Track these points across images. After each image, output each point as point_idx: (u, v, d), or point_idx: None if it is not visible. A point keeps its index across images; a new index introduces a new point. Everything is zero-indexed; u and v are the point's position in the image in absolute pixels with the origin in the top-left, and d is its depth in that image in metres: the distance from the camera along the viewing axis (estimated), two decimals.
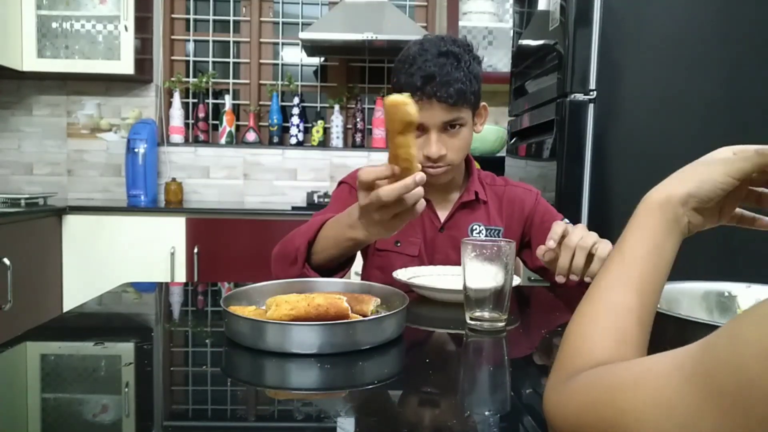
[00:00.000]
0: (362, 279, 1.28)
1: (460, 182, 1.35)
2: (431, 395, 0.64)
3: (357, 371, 0.70)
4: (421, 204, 0.82)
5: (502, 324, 0.86)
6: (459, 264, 0.94)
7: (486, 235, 1.29)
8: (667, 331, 0.63)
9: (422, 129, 1.20)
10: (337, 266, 1.09)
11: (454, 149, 1.22)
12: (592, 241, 1.04)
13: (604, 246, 1.04)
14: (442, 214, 1.31)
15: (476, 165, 1.41)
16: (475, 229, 1.30)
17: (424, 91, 1.16)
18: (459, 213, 1.31)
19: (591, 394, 0.43)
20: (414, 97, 1.11)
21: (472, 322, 0.87)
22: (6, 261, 2.23)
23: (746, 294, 0.76)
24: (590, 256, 1.03)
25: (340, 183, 1.37)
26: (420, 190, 0.80)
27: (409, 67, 1.19)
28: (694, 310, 0.75)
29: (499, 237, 1.30)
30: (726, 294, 0.77)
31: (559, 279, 1.06)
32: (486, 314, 0.86)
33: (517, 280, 1.00)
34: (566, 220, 1.32)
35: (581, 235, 1.05)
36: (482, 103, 1.30)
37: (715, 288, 0.77)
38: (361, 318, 0.77)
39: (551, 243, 1.05)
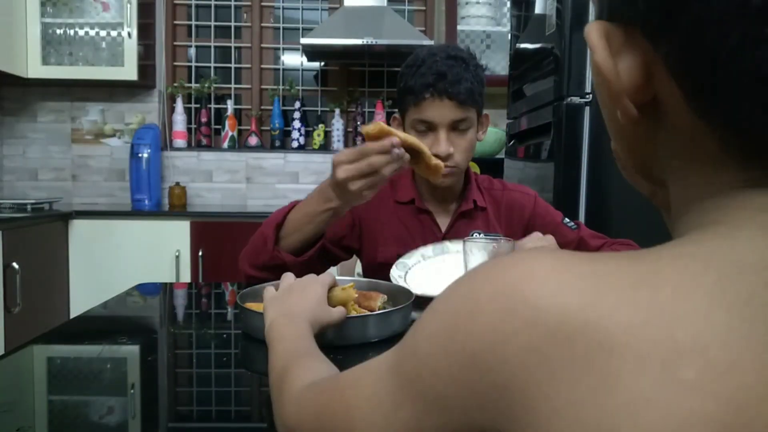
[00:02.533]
0: None
1: (459, 191, 1.36)
2: None
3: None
4: (392, 168, 0.98)
5: None
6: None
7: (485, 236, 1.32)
8: None
9: (431, 128, 1.23)
10: (308, 246, 1.14)
11: (461, 150, 1.25)
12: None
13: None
14: (443, 225, 1.33)
15: (476, 170, 1.43)
16: (474, 234, 1.30)
17: (436, 88, 1.20)
18: (459, 222, 1.33)
19: (325, 395, 0.45)
20: (425, 95, 1.21)
21: None
22: (15, 265, 2.27)
23: None
24: None
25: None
26: (391, 156, 0.96)
27: (418, 68, 1.23)
28: None
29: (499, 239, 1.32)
30: None
31: None
32: None
33: None
34: (567, 219, 1.35)
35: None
36: (485, 112, 1.33)
37: None
38: (369, 313, 0.81)
39: None
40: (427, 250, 1.20)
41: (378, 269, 1.25)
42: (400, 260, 1.16)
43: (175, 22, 3.41)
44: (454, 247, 1.19)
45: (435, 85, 1.19)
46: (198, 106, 3.36)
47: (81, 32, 3.03)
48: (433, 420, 0.34)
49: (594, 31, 0.37)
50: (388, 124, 1.10)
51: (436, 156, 1.19)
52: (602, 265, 0.31)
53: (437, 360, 0.34)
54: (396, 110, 1.40)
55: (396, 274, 1.13)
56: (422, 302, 1.03)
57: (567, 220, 1.34)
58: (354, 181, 0.98)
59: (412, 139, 1.01)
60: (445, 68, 1.20)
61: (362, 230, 1.31)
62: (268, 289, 0.77)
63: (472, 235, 1.30)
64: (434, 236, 1.31)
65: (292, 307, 0.72)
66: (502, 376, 0.31)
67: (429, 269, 1.16)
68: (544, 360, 0.29)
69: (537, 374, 0.29)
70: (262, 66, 3.46)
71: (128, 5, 2.92)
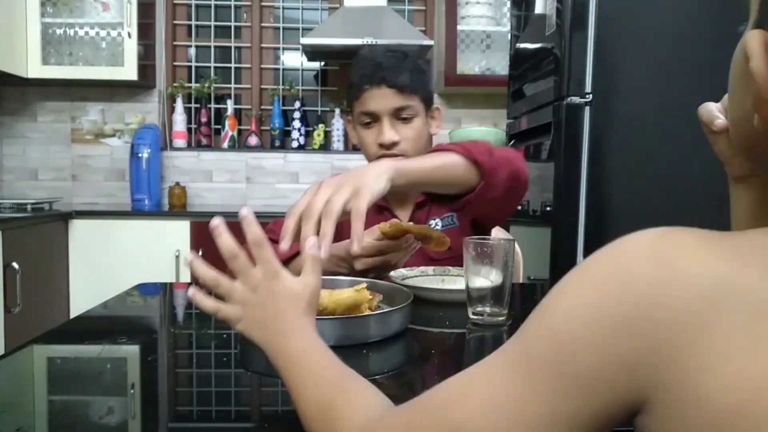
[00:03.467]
0: None
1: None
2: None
3: (367, 361, 0.74)
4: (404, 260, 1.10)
5: (503, 318, 0.90)
6: (432, 265, 1.20)
7: (442, 226, 1.31)
8: None
9: (374, 118, 1.26)
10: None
11: (407, 138, 1.26)
12: (342, 200, 0.80)
13: (360, 201, 0.82)
14: (404, 218, 1.34)
15: None
16: (431, 224, 1.31)
17: (374, 77, 1.23)
18: (418, 214, 1.33)
19: (416, 421, 0.41)
20: (364, 86, 1.25)
21: (474, 317, 0.91)
22: (15, 265, 2.27)
23: None
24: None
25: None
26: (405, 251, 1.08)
27: (357, 63, 1.28)
28: None
29: (453, 222, 1.31)
30: None
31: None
32: (487, 309, 0.90)
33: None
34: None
35: (327, 197, 0.80)
36: (436, 106, 1.34)
37: None
38: (370, 313, 0.81)
39: (289, 222, 0.79)
40: (428, 269, 1.21)
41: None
42: (400, 270, 1.16)
43: (175, 22, 3.41)
44: (455, 270, 1.18)
45: (373, 75, 1.23)
46: (198, 106, 3.36)
47: (81, 32, 3.03)
48: (571, 403, 0.35)
49: (755, 39, 0.40)
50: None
51: (381, 145, 1.24)
52: (740, 240, 0.35)
53: (580, 335, 0.35)
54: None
55: (395, 274, 1.14)
56: (423, 300, 1.04)
57: None
58: (369, 271, 1.07)
59: (423, 229, 1.05)
60: (383, 59, 1.24)
61: (341, 230, 1.29)
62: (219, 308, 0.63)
63: (430, 225, 1.31)
64: None
65: (276, 316, 0.58)
66: (654, 339, 0.33)
67: (429, 280, 1.16)
68: (698, 320, 0.33)
69: (690, 334, 0.33)
70: (262, 66, 3.46)
71: (128, 5, 2.92)
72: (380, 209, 1.33)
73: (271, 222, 1.34)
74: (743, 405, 0.31)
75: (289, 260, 1.22)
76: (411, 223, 1.09)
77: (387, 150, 1.25)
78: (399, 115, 1.25)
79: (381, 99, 1.24)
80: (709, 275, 0.33)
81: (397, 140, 1.24)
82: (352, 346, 0.75)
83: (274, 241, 1.29)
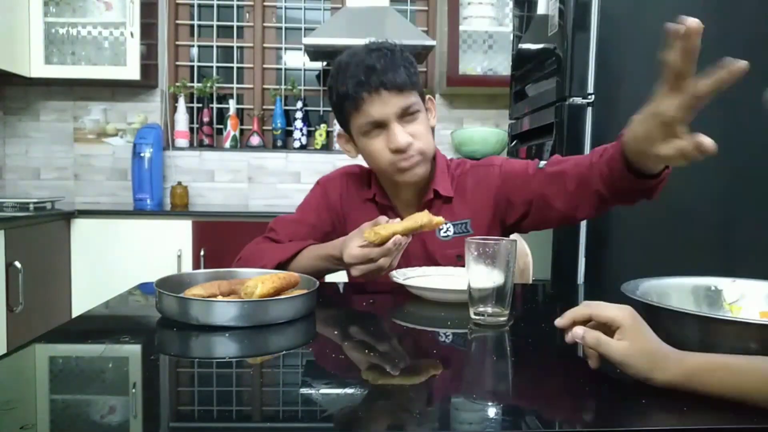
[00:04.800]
0: None
1: (421, 186, 1.28)
2: (438, 381, 0.68)
3: (371, 359, 0.74)
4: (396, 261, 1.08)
5: (504, 318, 0.90)
6: (435, 265, 1.21)
7: (454, 231, 1.27)
8: (660, 322, 0.67)
9: (381, 126, 1.17)
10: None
11: (419, 135, 1.18)
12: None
13: None
14: None
15: (446, 158, 1.34)
16: (443, 228, 1.27)
17: (371, 83, 1.13)
18: None
19: None
20: (362, 95, 1.15)
21: (476, 317, 0.91)
22: (17, 264, 2.27)
23: (731, 288, 0.80)
24: None
25: (318, 183, 1.39)
26: (395, 252, 1.05)
27: (343, 73, 1.17)
28: (684, 302, 0.79)
29: (467, 229, 1.27)
30: (713, 288, 0.81)
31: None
32: (489, 309, 0.90)
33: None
34: (542, 162, 1.24)
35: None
36: (428, 96, 1.26)
37: (702, 283, 0.82)
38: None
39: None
40: (430, 269, 1.20)
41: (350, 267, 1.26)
42: (402, 270, 1.16)
43: (178, 21, 3.42)
44: (457, 271, 1.18)
45: (368, 81, 1.13)
46: (200, 105, 3.36)
47: (84, 32, 3.04)
48: None
49: None
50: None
51: (396, 151, 1.16)
52: None
53: None
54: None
55: (397, 274, 1.14)
56: (423, 300, 1.04)
57: (542, 163, 1.24)
58: (364, 277, 1.08)
59: (410, 224, 1.03)
60: (372, 61, 1.14)
61: (344, 230, 1.28)
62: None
63: (441, 228, 1.26)
64: None
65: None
66: None
67: (431, 281, 1.15)
68: None
69: None
70: (265, 66, 3.47)
71: (131, 5, 2.92)
72: (383, 208, 1.29)
73: (271, 221, 1.35)
74: None
75: (288, 261, 1.21)
76: (397, 220, 1.05)
77: (403, 153, 1.17)
78: (404, 115, 1.17)
79: (384, 104, 1.15)
80: None
81: (411, 141, 1.16)
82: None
83: (275, 240, 1.31)
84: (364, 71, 1.14)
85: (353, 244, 1.05)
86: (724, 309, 0.79)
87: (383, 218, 1.06)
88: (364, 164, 1.32)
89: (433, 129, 1.26)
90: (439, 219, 1.04)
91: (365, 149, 1.22)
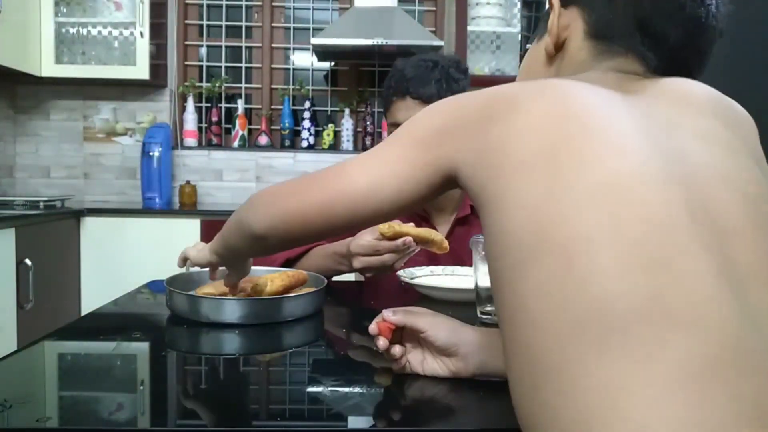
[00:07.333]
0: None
1: (457, 198, 1.33)
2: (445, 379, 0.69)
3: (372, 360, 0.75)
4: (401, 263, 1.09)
5: None
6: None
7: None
8: None
9: None
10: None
11: None
12: None
13: None
14: (443, 232, 1.32)
15: None
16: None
17: (399, 89, 1.21)
18: (458, 229, 1.32)
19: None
20: (392, 98, 1.24)
21: (483, 316, 0.91)
22: (28, 262, 2.29)
23: None
24: None
25: None
26: (402, 253, 1.06)
27: (390, 76, 1.27)
28: None
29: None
30: None
31: None
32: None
33: None
34: None
35: None
36: None
37: None
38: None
39: None
40: (437, 269, 1.20)
41: (381, 276, 1.26)
42: (409, 269, 1.17)
43: (187, 21, 3.43)
44: (463, 271, 1.19)
45: (397, 87, 1.21)
46: (209, 105, 3.38)
47: (94, 31, 3.06)
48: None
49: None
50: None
51: None
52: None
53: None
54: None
55: (404, 273, 1.14)
56: (430, 298, 1.04)
57: None
58: (366, 270, 1.09)
59: (423, 232, 1.05)
60: (410, 69, 1.21)
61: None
62: None
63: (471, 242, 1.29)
64: None
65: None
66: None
67: (439, 279, 1.17)
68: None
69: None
70: (273, 66, 3.48)
71: (141, 5, 2.94)
72: (419, 219, 1.31)
73: None
74: None
75: (296, 259, 1.22)
76: (411, 224, 1.07)
77: None
78: None
79: (406, 111, 1.21)
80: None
81: None
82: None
83: None
84: (398, 77, 1.23)
85: (364, 236, 1.06)
86: None
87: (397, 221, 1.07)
88: None
89: None
90: (446, 246, 1.06)
91: None
